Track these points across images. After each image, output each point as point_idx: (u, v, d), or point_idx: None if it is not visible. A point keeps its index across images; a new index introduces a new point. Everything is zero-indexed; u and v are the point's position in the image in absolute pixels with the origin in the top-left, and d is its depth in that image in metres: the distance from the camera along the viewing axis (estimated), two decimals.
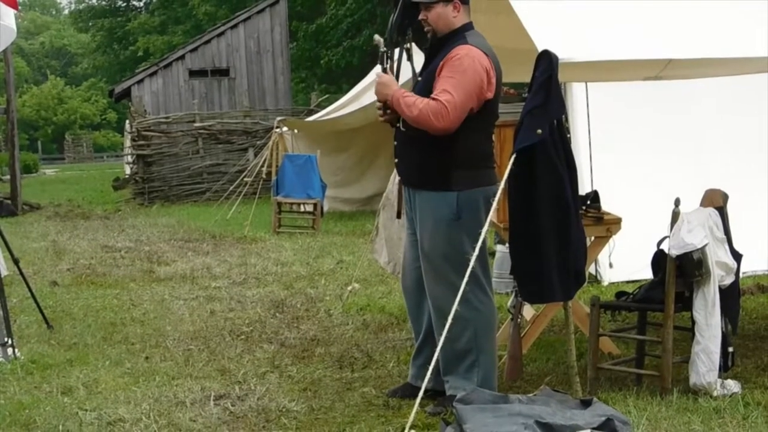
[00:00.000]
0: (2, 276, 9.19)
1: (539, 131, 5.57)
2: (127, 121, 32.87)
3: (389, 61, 6.57)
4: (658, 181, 10.21)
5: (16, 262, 9.50)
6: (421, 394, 5.48)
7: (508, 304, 6.79)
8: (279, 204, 17.78)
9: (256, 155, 23.72)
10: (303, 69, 40.80)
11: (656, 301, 6.57)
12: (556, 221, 5.73)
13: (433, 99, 5.95)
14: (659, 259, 6.64)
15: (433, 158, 6.14)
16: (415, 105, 6.02)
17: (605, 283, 10.37)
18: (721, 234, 6.47)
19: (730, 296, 6.57)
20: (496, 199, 5.79)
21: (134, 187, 27.47)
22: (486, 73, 6.03)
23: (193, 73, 30.04)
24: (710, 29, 6.23)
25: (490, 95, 6.06)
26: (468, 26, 6.29)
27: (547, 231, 5.72)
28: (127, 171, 32.80)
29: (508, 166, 5.66)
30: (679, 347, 6.77)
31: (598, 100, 10.31)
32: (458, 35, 6.21)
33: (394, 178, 8.03)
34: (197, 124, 26.88)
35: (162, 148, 26.81)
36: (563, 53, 5.56)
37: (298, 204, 18.38)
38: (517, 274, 6.02)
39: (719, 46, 6.15)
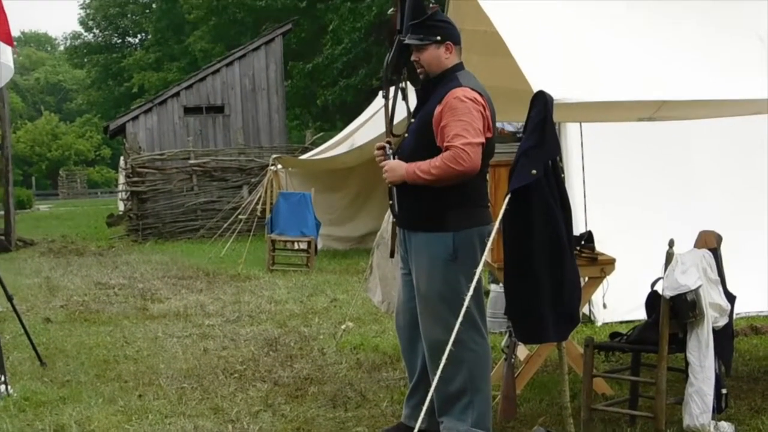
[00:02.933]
0: None
1: (534, 172, 5.58)
2: (122, 158, 32.90)
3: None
4: (652, 221, 10.23)
5: (9, 298, 9.49)
6: (417, 425, 5.45)
7: (502, 343, 6.78)
8: (273, 242, 17.77)
9: (250, 192, 23.75)
10: (297, 106, 40.92)
11: (650, 342, 6.57)
12: (551, 261, 5.72)
13: (446, 148, 5.96)
14: (653, 300, 6.65)
15: (427, 199, 6.15)
16: (431, 166, 6.01)
17: (599, 324, 10.38)
18: (714, 275, 6.48)
19: (724, 338, 6.57)
20: (491, 239, 5.79)
21: (128, 223, 27.45)
22: (483, 110, 6.06)
23: (188, 110, 30.10)
24: (704, 71, 6.26)
25: (489, 134, 6.09)
26: (459, 66, 6.32)
27: (541, 271, 5.72)
28: (121, 207, 32.80)
29: (503, 206, 5.67)
30: (672, 388, 6.77)
31: (592, 141, 10.35)
32: (450, 76, 6.23)
33: (389, 217, 8.04)
34: (192, 161, 26.89)
35: (156, 184, 26.79)
36: (558, 94, 5.58)
37: (293, 242, 18.37)
38: (512, 313, 6.01)
39: (713, 88, 6.17)
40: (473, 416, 6.20)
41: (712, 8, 6.71)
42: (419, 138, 6.22)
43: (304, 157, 22.27)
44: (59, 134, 79.61)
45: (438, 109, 6.08)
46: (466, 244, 6.11)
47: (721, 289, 6.53)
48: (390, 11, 7.32)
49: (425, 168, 6.04)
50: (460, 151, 5.89)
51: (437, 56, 6.28)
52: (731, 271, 6.88)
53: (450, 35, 6.32)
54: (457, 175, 5.95)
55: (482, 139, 6.00)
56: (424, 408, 5.49)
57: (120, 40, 67.63)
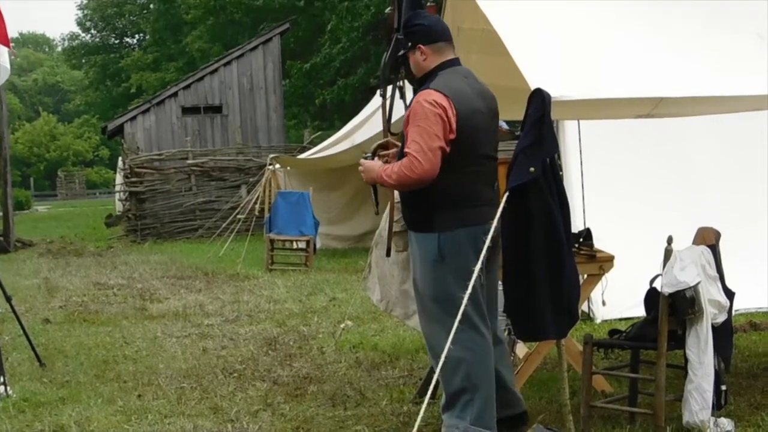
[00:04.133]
0: None
1: (532, 169, 5.57)
2: (120, 158, 32.91)
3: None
4: (651, 218, 10.23)
5: (8, 299, 9.48)
6: (417, 422, 5.43)
7: None
8: (272, 241, 17.78)
9: (248, 192, 23.75)
10: (295, 106, 40.92)
11: (649, 339, 6.56)
12: (549, 259, 5.72)
13: (405, 155, 5.98)
14: (652, 297, 6.64)
15: (417, 200, 6.15)
16: (392, 171, 6.02)
17: (598, 321, 10.37)
18: (713, 272, 6.47)
19: (723, 334, 6.57)
20: (489, 237, 5.76)
21: (127, 223, 27.47)
22: (444, 112, 6.01)
23: (185, 110, 30.09)
24: (702, 67, 6.26)
25: (452, 136, 6.03)
26: (444, 65, 6.24)
27: (540, 269, 5.71)
28: (119, 207, 32.80)
29: (500, 204, 5.67)
30: (672, 385, 6.77)
31: (590, 138, 10.33)
32: (430, 78, 6.21)
33: (387, 215, 8.03)
34: (190, 161, 26.92)
35: (155, 184, 26.81)
36: (555, 91, 5.57)
37: (291, 241, 18.37)
38: (511, 311, 6.00)
39: (711, 85, 6.17)
40: (472, 414, 6.19)
41: (711, 5, 6.71)
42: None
43: (302, 156, 22.28)
44: (57, 135, 79.61)
45: (407, 113, 6.11)
46: (452, 246, 6.06)
47: (719, 285, 6.53)
48: (387, 10, 7.35)
49: (389, 172, 6.05)
50: (412, 158, 5.88)
51: (415, 62, 6.30)
52: (730, 268, 6.88)
53: (418, 37, 6.27)
54: (413, 183, 5.96)
55: (439, 143, 5.92)
56: (426, 399, 5.47)
57: (118, 41, 67.64)
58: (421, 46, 6.24)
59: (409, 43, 6.27)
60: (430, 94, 6.03)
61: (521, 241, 5.74)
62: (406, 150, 5.96)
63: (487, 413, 6.26)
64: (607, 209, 10.26)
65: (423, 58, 6.25)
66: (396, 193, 6.89)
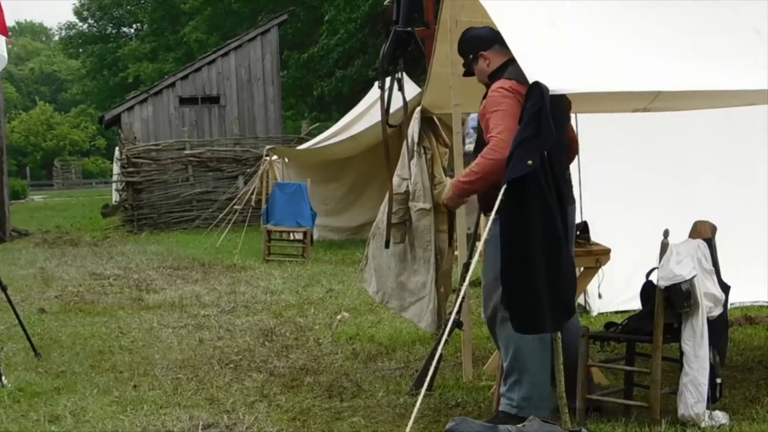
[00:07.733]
0: None
1: (530, 162, 5.57)
2: (117, 148, 32.89)
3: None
4: (647, 212, 10.22)
5: (3, 288, 9.46)
6: (413, 414, 5.44)
7: None
8: (269, 232, 17.78)
9: (246, 183, 23.74)
10: (293, 97, 40.87)
11: (645, 332, 6.57)
12: (547, 252, 5.72)
13: (488, 140, 6.13)
14: (648, 290, 6.65)
15: None
16: (471, 170, 6.24)
17: (594, 314, 10.36)
18: (709, 265, 6.48)
19: (719, 327, 6.58)
20: (486, 229, 5.77)
21: (123, 214, 27.45)
22: (520, 97, 6.02)
23: (183, 101, 30.03)
24: (699, 62, 6.25)
25: None
26: (507, 63, 6.34)
27: (537, 262, 5.71)
28: (115, 197, 32.76)
29: (498, 198, 5.66)
30: (667, 378, 6.76)
31: (587, 132, 10.30)
32: (497, 76, 6.40)
33: (384, 207, 8.03)
34: (187, 152, 26.90)
35: (152, 175, 26.80)
36: (553, 85, 5.57)
37: (288, 232, 18.39)
38: (508, 304, 6.01)
39: (708, 79, 6.16)
40: (518, 395, 6.29)
41: (708, 0, 6.71)
42: (479, 142, 6.47)
43: (299, 147, 22.27)
44: (54, 124, 79.51)
45: (482, 106, 6.32)
46: None
47: (715, 279, 6.54)
48: (386, 2, 7.35)
49: (468, 172, 6.32)
50: (493, 143, 6.07)
51: (480, 70, 6.60)
52: (726, 261, 6.88)
53: (475, 46, 6.58)
54: (497, 166, 5.96)
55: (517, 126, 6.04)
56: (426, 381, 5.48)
57: (115, 31, 67.55)
58: (483, 53, 6.54)
59: (470, 55, 6.61)
60: (504, 82, 6.23)
61: (518, 234, 5.74)
62: (489, 135, 6.10)
63: (535, 400, 6.31)
64: (604, 203, 10.27)
65: (486, 63, 6.54)
66: (401, 185, 6.95)
